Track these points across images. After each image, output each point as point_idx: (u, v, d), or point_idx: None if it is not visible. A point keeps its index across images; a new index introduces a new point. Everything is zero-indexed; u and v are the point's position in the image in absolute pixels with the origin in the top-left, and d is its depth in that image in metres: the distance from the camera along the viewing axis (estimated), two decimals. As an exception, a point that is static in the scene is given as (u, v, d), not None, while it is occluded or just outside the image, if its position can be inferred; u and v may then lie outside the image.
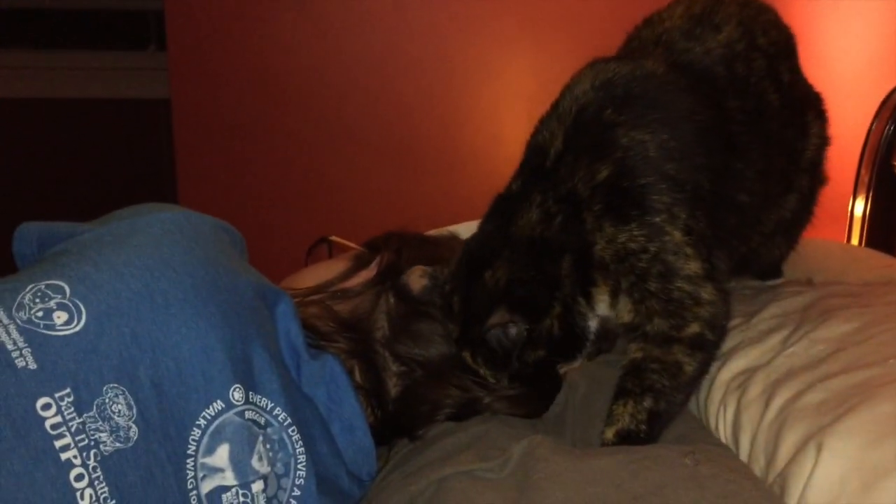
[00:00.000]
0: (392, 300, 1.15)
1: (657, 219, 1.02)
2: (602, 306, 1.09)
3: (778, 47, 1.23)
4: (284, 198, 2.73)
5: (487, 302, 1.08)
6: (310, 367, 1.02)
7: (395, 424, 1.13)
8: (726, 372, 1.10)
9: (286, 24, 2.68)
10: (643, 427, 1.03)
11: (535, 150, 1.11)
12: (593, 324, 1.10)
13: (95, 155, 3.18)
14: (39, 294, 0.87)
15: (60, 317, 0.86)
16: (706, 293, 1.03)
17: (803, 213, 1.29)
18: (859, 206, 1.66)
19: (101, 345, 0.86)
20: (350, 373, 1.09)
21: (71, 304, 0.87)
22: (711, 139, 1.09)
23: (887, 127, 1.63)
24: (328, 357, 1.04)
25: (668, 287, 1.03)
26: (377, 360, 1.12)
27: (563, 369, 1.15)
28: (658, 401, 1.03)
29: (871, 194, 1.64)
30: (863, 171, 1.65)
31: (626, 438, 1.03)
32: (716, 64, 1.15)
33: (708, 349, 1.05)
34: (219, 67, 2.70)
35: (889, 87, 1.67)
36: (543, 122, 1.12)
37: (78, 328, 0.86)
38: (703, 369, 1.07)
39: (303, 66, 2.71)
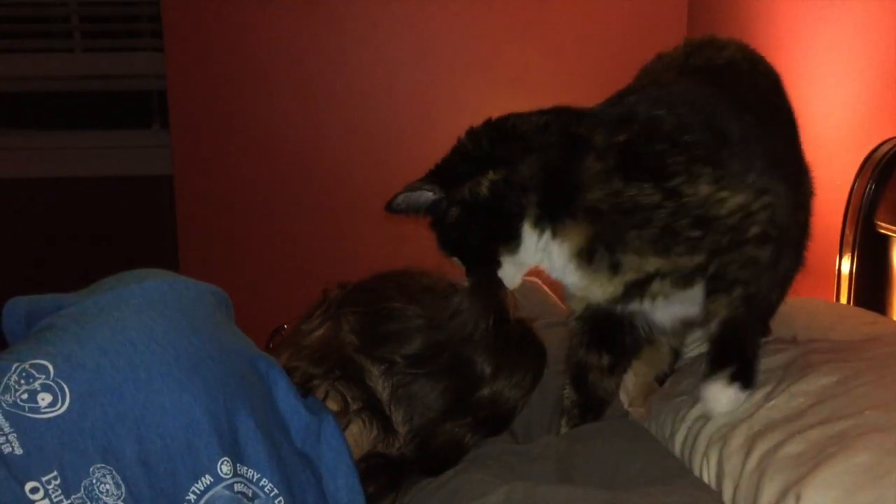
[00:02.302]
0: (352, 318, 1.18)
1: (674, 182, 1.08)
2: (566, 246, 1.14)
3: (777, 81, 1.31)
4: (284, 270, 2.77)
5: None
6: (308, 427, 1.03)
7: (420, 442, 1.15)
8: (711, 426, 1.11)
9: (284, 103, 2.75)
10: (741, 310, 1.09)
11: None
12: (543, 246, 1.15)
13: (103, 231, 3.23)
14: (24, 374, 0.88)
15: (45, 398, 0.87)
16: (757, 205, 1.08)
17: (801, 250, 1.31)
18: (846, 264, 1.68)
19: (85, 425, 0.87)
20: (342, 402, 1.10)
21: (55, 385, 0.88)
22: (728, 108, 1.15)
23: (868, 185, 1.65)
24: (326, 415, 1.05)
25: (714, 226, 1.08)
26: (354, 369, 1.14)
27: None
28: (748, 286, 1.09)
29: (856, 252, 1.66)
30: (847, 230, 1.68)
31: (731, 324, 1.09)
32: (723, 68, 1.25)
33: (775, 241, 1.10)
34: (219, 144, 2.76)
35: (870, 147, 1.70)
36: None
37: (62, 409, 0.87)
38: (777, 253, 1.12)
39: (301, 143, 2.78)
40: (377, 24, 2.76)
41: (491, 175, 1.14)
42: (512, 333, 1.24)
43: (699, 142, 1.10)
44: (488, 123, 1.20)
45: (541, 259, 1.18)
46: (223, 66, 2.76)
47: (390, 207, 1.20)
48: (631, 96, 1.18)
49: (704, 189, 1.07)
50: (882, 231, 1.63)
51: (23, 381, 0.88)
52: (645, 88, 1.21)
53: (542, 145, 1.14)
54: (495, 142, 1.17)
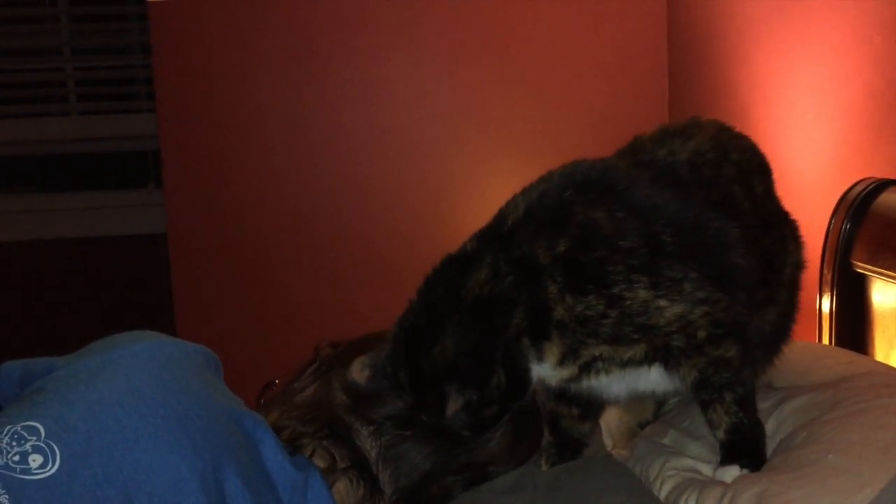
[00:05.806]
0: (343, 377, 1.19)
1: (614, 290, 1.10)
2: (549, 362, 1.15)
3: (751, 165, 1.30)
4: (279, 326, 2.78)
5: (440, 377, 1.12)
6: (295, 484, 1.05)
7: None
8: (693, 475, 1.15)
9: (277, 161, 2.79)
10: (741, 415, 1.14)
11: (496, 217, 1.18)
12: (535, 369, 1.16)
13: (100, 290, 3.28)
14: (16, 437, 0.90)
15: (36, 460, 0.90)
16: (694, 316, 1.11)
17: (783, 329, 1.33)
18: (825, 304, 1.70)
19: (74, 486, 0.89)
20: (330, 460, 1.12)
21: (45, 447, 0.90)
22: (674, 211, 1.16)
23: (844, 225, 1.67)
24: (313, 471, 1.08)
25: (655, 332, 1.11)
26: (343, 429, 1.15)
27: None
28: (734, 390, 1.13)
29: (835, 292, 1.68)
30: (825, 270, 1.70)
31: (737, 430, 1.13)
32: (680, 164, 1.23)
33: (728, 336, 1.13)
34: (213, 202, 2.79)
35: (844, 187, 1.73)
36: (511, 199, 1.19)
37: (52, 471, 0.89)
38: (742, 347, 1.14)
39: (294, 201, 2.81)
40: (370, 82, 2.80)
41: (498, 367, 1.13)
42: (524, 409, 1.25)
43: (634, 249, 1.12)
44: (469, 303, 1.13)
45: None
46: (216, 124, 2.79)
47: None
48: (567, 191, 1.15)
49: (642, 294, 1.10)
50: (859, 270, 1.66)
51: (14, 444, 0.90)
52: (582, 179, 1.18)
53: (510, 291, 1.12)
54: (467, 326, 1.13)
